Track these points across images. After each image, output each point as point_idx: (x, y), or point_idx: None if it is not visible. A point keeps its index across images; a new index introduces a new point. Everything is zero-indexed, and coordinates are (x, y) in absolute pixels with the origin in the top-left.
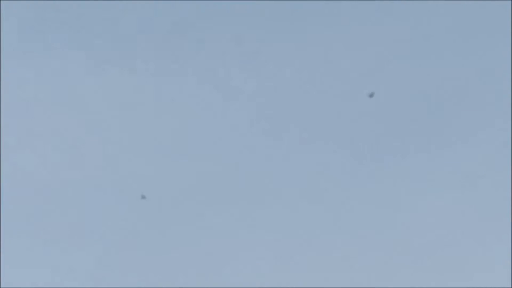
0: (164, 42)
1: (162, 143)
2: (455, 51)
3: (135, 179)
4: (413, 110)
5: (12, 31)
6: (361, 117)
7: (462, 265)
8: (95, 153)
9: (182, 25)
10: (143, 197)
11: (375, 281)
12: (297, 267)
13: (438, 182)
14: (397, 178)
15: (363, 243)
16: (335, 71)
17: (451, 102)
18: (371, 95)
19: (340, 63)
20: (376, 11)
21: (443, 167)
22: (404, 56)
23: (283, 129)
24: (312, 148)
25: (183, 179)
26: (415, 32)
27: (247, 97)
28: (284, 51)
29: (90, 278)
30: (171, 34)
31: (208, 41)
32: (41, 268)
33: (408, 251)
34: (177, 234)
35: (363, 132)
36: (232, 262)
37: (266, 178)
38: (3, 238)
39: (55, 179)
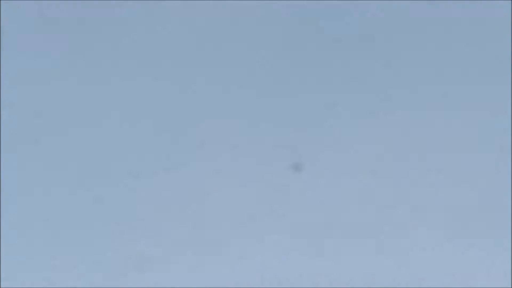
0: None
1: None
2: (453, 51)
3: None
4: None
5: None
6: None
7: (462, 265)
8: None
9: None
10: None
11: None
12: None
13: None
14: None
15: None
16: None
17: (450, 102)
18: (297, 168)
19: None
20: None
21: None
22: (402, 56)
23: None
24: None
25: None
26: (412, 32)
27: None
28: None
29: None
30: None
31: None
32: None
33: (405, 250)
34: None
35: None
36: None
37: None
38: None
39: None
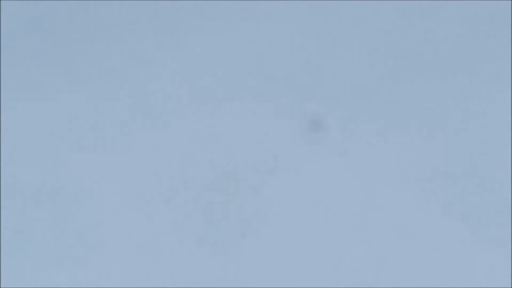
0: None
1: None
2: (453, 51)
3: None
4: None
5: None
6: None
7: (462, 265)
8: None
9: None
10: None
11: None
12: None
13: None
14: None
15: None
16: None
17: (451, 105)
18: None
19: None
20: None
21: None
22: (401, 57)
23: None
24: None
25: None
26: (412, 32)
27: None
28: None
29: None
30: None
31: None
32: None
33: (404, 250)
34: None
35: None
36: None
37: None
38: None
39: None
